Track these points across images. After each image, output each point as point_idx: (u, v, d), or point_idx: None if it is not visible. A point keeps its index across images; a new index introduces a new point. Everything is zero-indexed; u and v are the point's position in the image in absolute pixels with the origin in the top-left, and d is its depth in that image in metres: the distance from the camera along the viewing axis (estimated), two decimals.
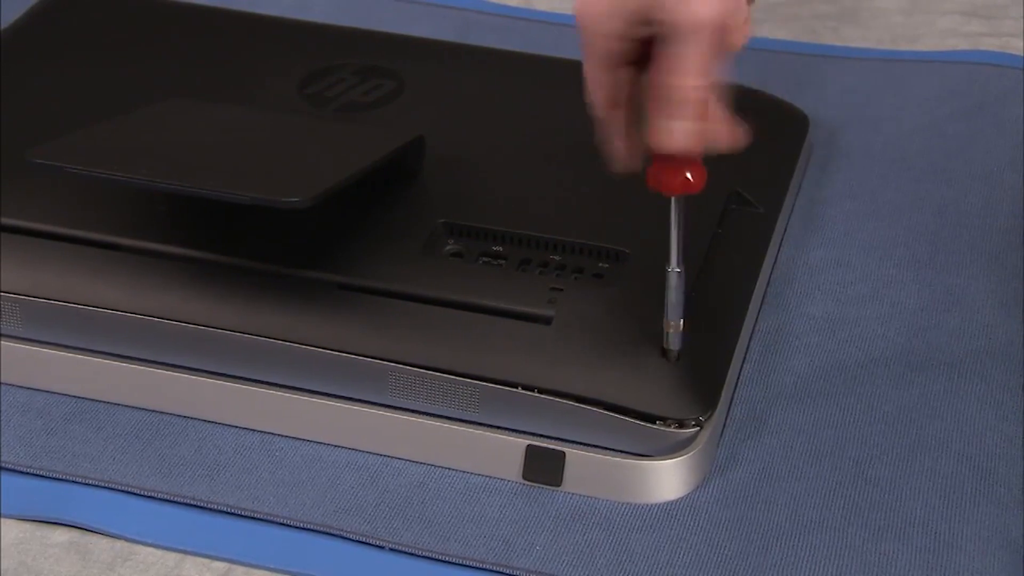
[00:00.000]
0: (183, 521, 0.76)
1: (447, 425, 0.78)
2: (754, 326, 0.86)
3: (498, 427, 0.78)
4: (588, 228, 0.82)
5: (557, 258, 0.81)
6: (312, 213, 0.74)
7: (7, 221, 0.83)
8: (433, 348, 0.78)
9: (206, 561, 0.74)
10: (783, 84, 1.02)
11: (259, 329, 0.79)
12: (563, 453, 0.76)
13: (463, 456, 0.78)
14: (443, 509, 0.76)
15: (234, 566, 0.74)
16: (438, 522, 0.75)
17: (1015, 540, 0.74)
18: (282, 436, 0.80)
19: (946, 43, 1.10)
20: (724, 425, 0.80)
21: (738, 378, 0.83)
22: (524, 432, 0.77)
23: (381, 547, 0.74)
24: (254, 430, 0.80)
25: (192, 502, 0.76)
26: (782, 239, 0.92)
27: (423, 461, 0.78)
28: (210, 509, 0.76)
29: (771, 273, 0.89)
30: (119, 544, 0.75)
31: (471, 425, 0.78)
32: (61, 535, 0.75)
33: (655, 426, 0.76)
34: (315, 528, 0.75)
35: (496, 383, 0.77)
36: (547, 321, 0.78)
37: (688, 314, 0.76)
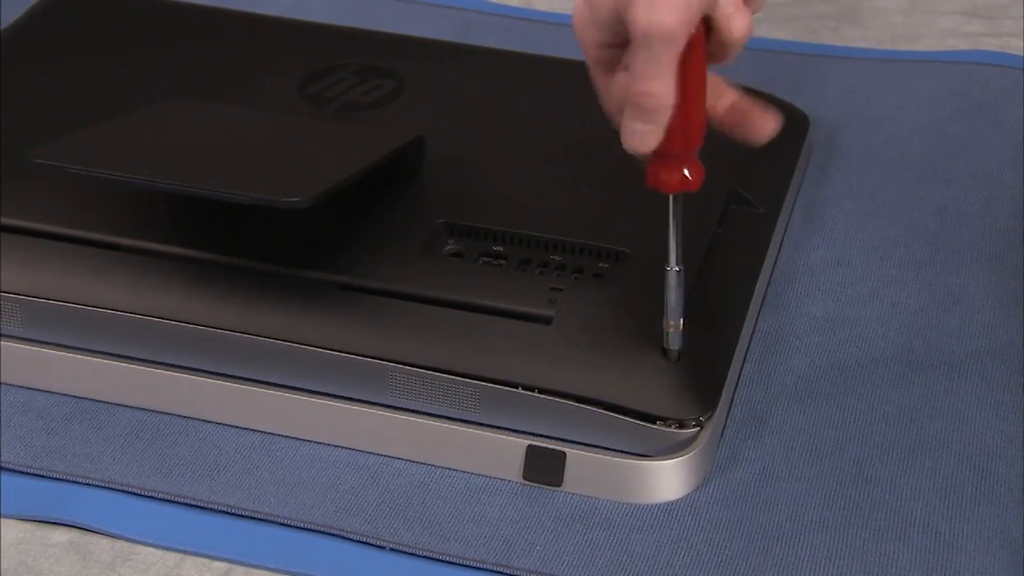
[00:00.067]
0: (183, 521, 0.76)
1: (447, 425, 0.78)
2: (754, 326, 0.86)
3: (498, 427, 0.78)
4: (588, 228, 0.82)
5: (557, 258, 0.81)
6: (312, 213, 0.74)
7: (7, 221, 0.83)
8: (433, 348, 0.78)
9: (206, 561, 0.74)
10: (783, 84, 1.02)
11: (259, 329, 0.79)
12: (563, 453, 0.76)
13: (463, 456, 0.78)
14: (443, 509, 0.76)
15: (234, 566, 0.74)
16: (438, 522, 0.75)
17: (1015, 540, 0.74)
18: (282, 436, 0.80)
19: (946, 43, 1.10)
20: (724, 425, 0.80)
21: (738, 378, 0.83)
22: (524, 432, 0.77)
23: (381, 547, 0.74)
24: (254, 430, 0.80)
25: (192, 502, 0.76)
26: (782, 239, 0.92)
27: (423, 461, 0.78)
28: (210, 509, 0.76)
29: (771, 273, 0.89)
30: (119, 544, 0.75)
31: (471, 425, 0.78)
32: (61, 535, 0.75)
33: (655, 426, 0.76)
34: (315, 528, 0.75)
35: (496, 383, 0.77)
36: (547, 321, 0.78)
37: (688, 314, 0.76)
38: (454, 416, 0.78)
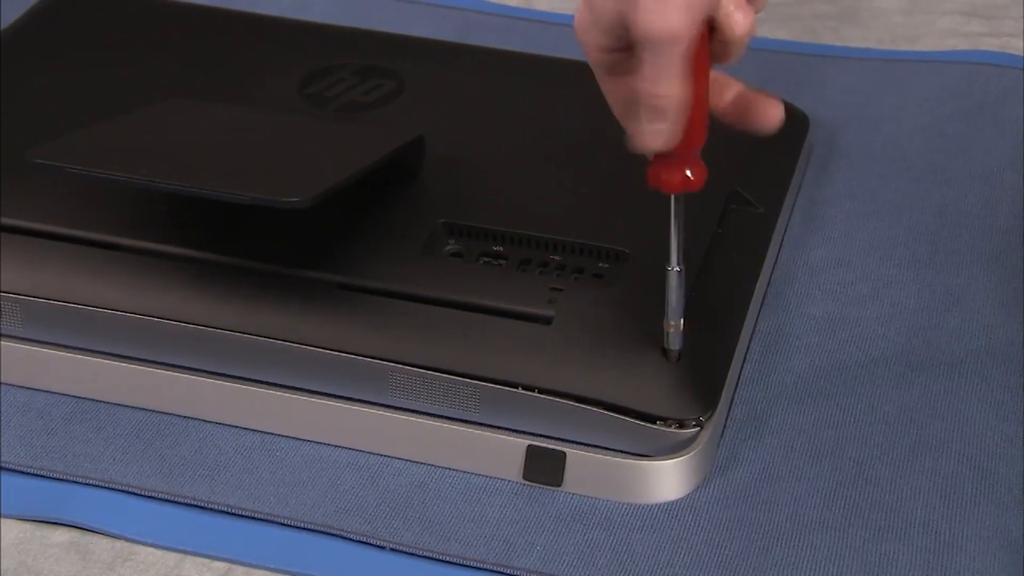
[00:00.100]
0: (183, 521, 0.76)
1: (447, 425, 0.78)
2: (754, 326, 0.86)
3: (498, 427, 0.78)
4: (588, 228, 0.82)
5: (557, 258, 0.81)
6: (312, 213, 0.74)
7: (7, 221, 0.83)
8: (433, 348, 0.78)
9: (206, 561, 0.74)
10: (783, 84, 1.02)
11: (259, 329, 0.79)
12: (563, 453, 0.76)
13: (463, 456, 0.78)
14: (443, 509, 0.76)
15: (234, 566, 0.74)
16: (438, 522, 0.75)
17: (1015, 540, 0.74)
18: (282, 436, 0.80)
19: (946, 43, 1.10)
20: (724, 425, 0.80)
21: (738, 378, 0.83)
22: (524, 432, 0.77)
23: (381, 547, 0.74)
24: (254, 430, 0.80)
25: (192, 502, 0.76)
26: (782, 239, 0.92)
27: (423, 461, 0.78)
28: (210, 509, 0.76)
29: (771, 273, 0.89)
30: (119, 544, 0.75)
31: (471, 425, 0.78)
32: (61, 535, 0.75)
33: (655, 426, 0.76)
34: (315, 528, 0.75)
35: (496, 383, 0.77)
36: (547, 321, 0.78)
37: (688, 314, 0.76)
38: (454, 416, 0.78)
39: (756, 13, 0.70)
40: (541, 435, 0.77)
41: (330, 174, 0.76)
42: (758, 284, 0.86)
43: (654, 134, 0.69)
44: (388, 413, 0.78)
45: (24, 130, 0.88)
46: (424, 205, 0.84)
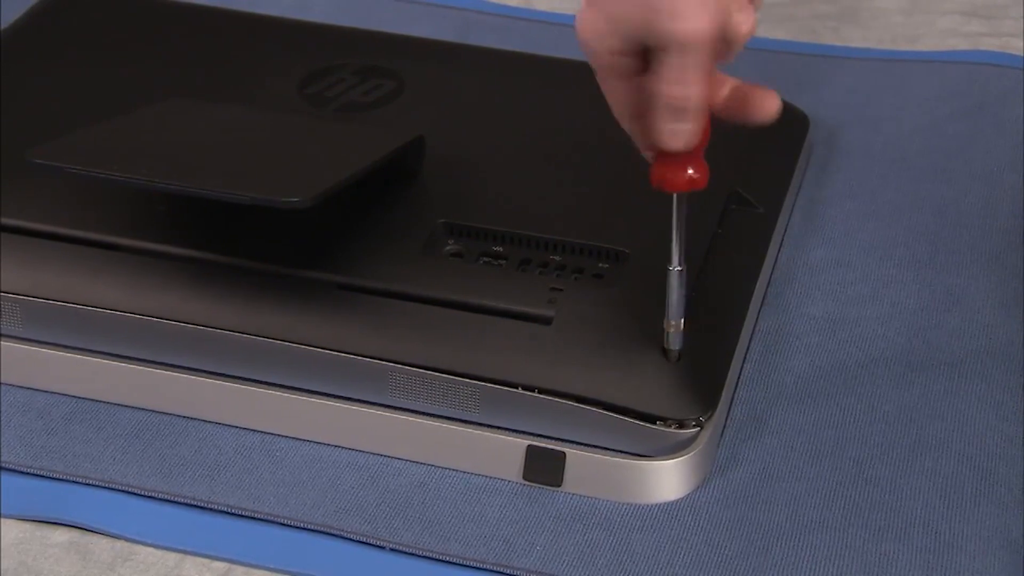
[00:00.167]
0: (183, 521, 0.76)
1: (447, 425, 0.78)
2: (754, 326, 0.86)
3: (498, 427, 0.78)
4: (588, 228, 0.82)
5: (557, 258, 0.81)
6: (312, 213, 0.74)
7: (7, 221, 0.83)
8: (433, 348, 0.78)
9: (206, 561, 0.74)
10: (783, 84, 1.02)
11: (259, 329, 0.79)
12: (563, 453, 0.76)
13: (463, 456, 0.78)
14: (443, 509, 0.76)
15: (234, 566, 0.74)
16: (438, 522, 0.75)
17: (1015, 540, 0.74)
18: (282, 436, 0.80)
19: (946, 43, 1.10)
20: (724, 425, 0.80)
21: (738, 378, 0.83)
22: (524, 432, 0.77)
23: (381, 547, 0.74)
24: (254, 430, 0.80)
25: (192, 502, 0.76)
26: (782, 239, 0.92)
27: (423, 461, 0.78)
28: (210, 509, 0.76)
29: (771, 273, 0.89)
30: (119, 544, 0.75)
31: (471, 425, 0.78)
32: (61, 535, 0.75)
33: (655, 426, 0.76)
34: (315, 528, 0.75)
35: (496, 383, 0.77)
36: (547, 321, 0.78)
37: (688, 314, 0.76)
38: (454, 416, 0.78)
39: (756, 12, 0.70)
40: (541, 435, 0.77)
41: (330, 174, 0.76)
42: (758, 284, 0.86)
43: (678, 134, 0.69)
44: (388, 413, 0.78)
45: (24, 130, 0.88)
46: (424, 205, 0.84)
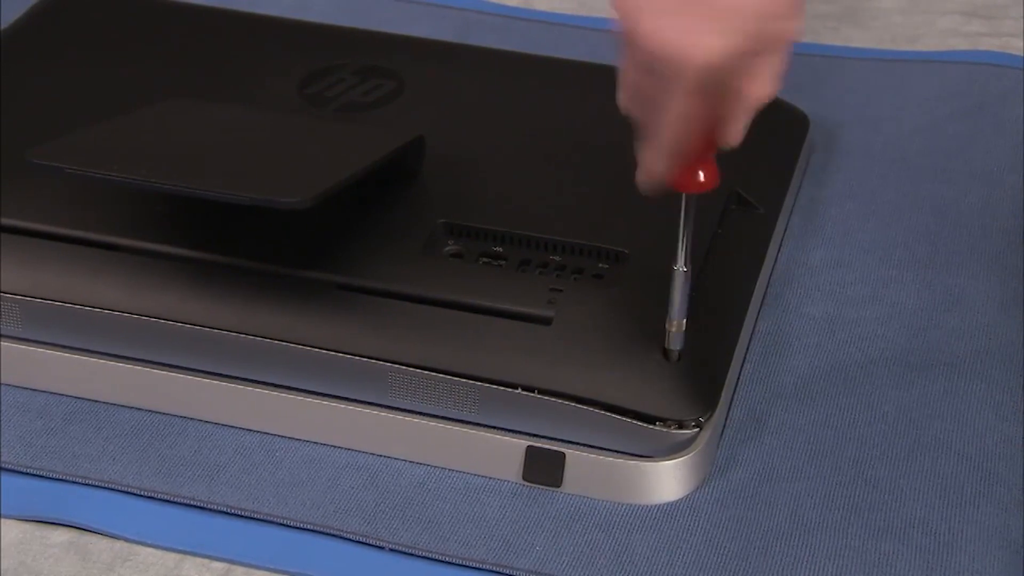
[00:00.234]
0: (183, 521, 0.76)
1: (447, 426, 0.78)
2: (754, 326, 0.86)
3: (498, 428, 0.78)
4: (588, 228, 0.82)
5: (557, 259, 0.81)
6: (312, 213, 0.74)
7: (7, 221, 0.83)
8: (433, 348, 0.78)
9: (206, 561, 0.74)
10: (783, 84, 1.02)
11: (259, 329, 0.79)
12: (563, 454, 0.76)
13: (463, 457, 0.78)
14: (443, 509, 0.76)
15: (234, 566, 0.74)
16: (438, 522, 0.75)
17: (1015, 540, 0.74)
18: (282, 436, 0.80)
19: (946, 43, 1.10)
20: (724, 426, 0.80)
21: (738, 378, 0.83)
22: (524, 433, 0.77)
23: (381, 547, 0.74)
24: (254, 430, 0.80)
25: (192, 502, 0.76)
26: (782, 239, 0.92)
27: (423, 462, 0.78)
28: (210, 509, 0.76)
29: (771, 273, 0.89)
30: (119, 544, 0.75)
31: (471, 426, 0.78)
32: (61, 535, 0.75)
33: (655, 427, 0.76)
34: (315, 528, 0.75)
35: (496, 383, 0.77)
36: (547, 322, 0.78)
37: (688, 314, 0.76)
38: (453, 416, 0.78)
39: None
40: (540, 436, 0.77)
41: (330, 174, 0.76)
42: (758, 284, 0.86)
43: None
44: (387, 413, 0.78)
45: (24, 130, 0.88)
46: (424, 205, 0.84)
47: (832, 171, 0.98)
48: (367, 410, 0.79)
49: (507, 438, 0.77)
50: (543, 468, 0.77)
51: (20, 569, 0.74)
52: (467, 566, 0.73)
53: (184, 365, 0.81)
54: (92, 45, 0.98)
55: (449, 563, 0.73)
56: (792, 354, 0.85)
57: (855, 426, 0.80)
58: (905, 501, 0.76)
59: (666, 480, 0.76)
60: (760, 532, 0.75)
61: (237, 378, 0.80)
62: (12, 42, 0.98)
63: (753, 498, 0.77)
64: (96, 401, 0.82)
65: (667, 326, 0.76)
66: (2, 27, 1.03)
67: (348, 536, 0.75)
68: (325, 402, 0.79)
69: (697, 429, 0.76)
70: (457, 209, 0.84)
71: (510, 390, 0.76)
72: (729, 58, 0.65)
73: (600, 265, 0.81)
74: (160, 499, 0.76)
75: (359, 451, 0.79)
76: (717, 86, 0.65)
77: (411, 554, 0.74)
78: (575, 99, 0.93)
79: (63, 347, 0.82)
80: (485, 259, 0.82)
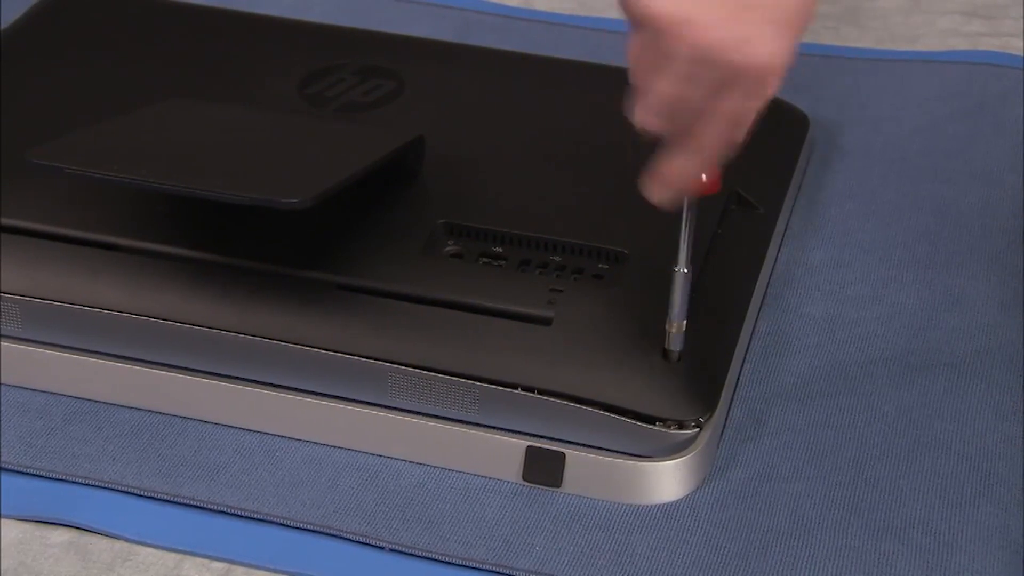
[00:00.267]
0: (183, 521, 0.76)
1: (447, 426, 0.78)
2: (754, 326, 0.86)
3: (498, 428, 0.78)
4: (588, 229, 0.82)
5: (557, 259, 0.81)
6: (312, 213, 0.74)
7: (7, 221, 0.83)
8: (433, 349, 0.78)
9: (206, 561, 0.74)
10: (783, 84, 1.02)
11: (259, 329, 0.79)
12: (563, 454, 0.76)
13: (463, 457, 0.78)
14: (443, 510, 0.76)
15: (234, 566, 0.74)
16: (438, 523, 0.75)
17: (1015, 540, 0.74)
18: (282, 436, 0.80)
19: (946, 43, 1.10)
20: (724, 426, 0.80)
21: (738, 379, 0.83)
22: (524, 433, 0.77)
23: (381, 547, 0.74)
24: (254, 430, 0.80)
25: (192, 502, 0.76)
26: (782, 239, 0.92)
27: (423, 462, 0.78)
28: (210, 509, 0.76)
29: (771, 273, 0.89)
30: (119, 544, 0.75)
31: (471, 426, 0.78)
32: (61, 535, 0.75)
33: (655, 427, 0.76)
34: (315, 528, 0.75)
35: (496, 384, 0.77)
36: (547, 322, 0.78)
37: (688, 314, 0.76)
38: (453, 417, 0.78)
39: None
40: (540, 436, 0.77)
41: (330, 174, 0.76)
42: (758, 284, 0.86)
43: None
44: (387, 414, 0.78)
45: (24, 130, 0.88)
46: (424, 205, 0.84)
47: (832, 171, 0.98)
48: (367, 410, 0.79)
49: (507, 438, 0.77)
50: (543, 468, 0.77)
51: (20, 569, 0.74)
52: (467, 566, 0.73)
53: (184, 365, 0.81)
54: (92, 45, 0.98)
55: (449, 563, 0.73)
56: (792, 354, 0.85)
57: (855, 426, 0.80)
58: (905, 501, 0.76)
59: (666, 480, 0.76)
60: (760, 532, 0.75)
61: (237, 378, 0.80)
62: (12, 42, 0.98)
63: (753, 498, 0.77)
64: (96, 401, 0.82)
65: (667, 327, 0.76)
66: (2, 27, 1.03)
67: (348, 536, 0.75)
68: (325, 402, 0.79)
69: (697, 429, 0.76)
70: (457, 209, 0.84)
71: (510, 390, 0.76)
72: (791, 57, 0.64)
73: (600, 265, 0.81)
74: (160, 499, 0.76)
75: (359, 451, 0.79)
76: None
77: (411, 554, 0.74)
78: (575, 99, 0.93)
79: (63, 347, 0.82)
80: (485, 259, 0.82)
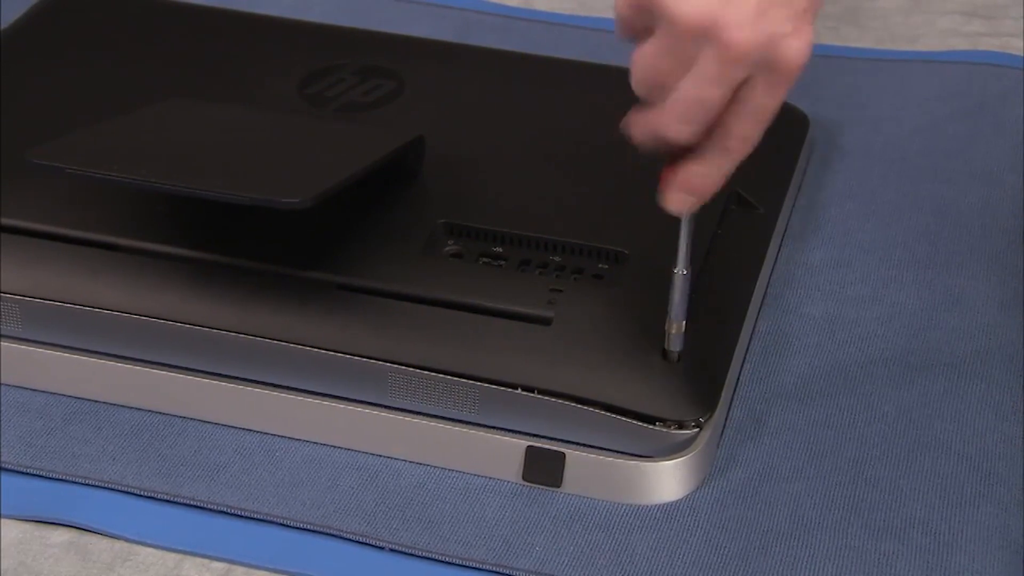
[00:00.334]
0: (183, 521, 0.76)
1: (447, 426, 0.78)
2: (754, 326, 0.86)
3: (498, 428, 0.77)
4: (588, 229, 0.82)
5: (557, 259, 0.81)
6: (312, 213, 0.74)
7: (7, 221, 0.83)
8: (433, 349, 0.78)
9: (206, 561, 0.74)
10: None
11: (259, 329, 0.79)
12: (563, 454, 0.76)
13: (463, 457, 0.78)
14: (443, 510, 0.76)
15: (234, 566, 0.74)
16: (438, 523, 0.75)
17: (1015, 540, 0.74)
18: (282, 436, 0.80)
19: (946, 43, 1.10)
20: (724, 426, 0.80)
21: (738, 379, 0.83)
22: (524, 433, 0.77)
23: (381, 548, 0.74)
24: (254, 430, 0.80)
25: (192, 502, 0.76)
26: (782, 239, 0.92)
27: (423, 462, 0.78)
28: (210, 509, 0.76)
29: (771, 273, 0.89)
30: (119, 544, 0.75)
31: (471, 426, 0.78)
32: (61, 535, 0.75)
33: (655, 427, 0.76)
34: (315, 528, 0.75)
35: (496, 384, 0.77)
36: (547, 322, 0.78)
37: (688, 315, 0.76)
38: (453, 417, 0.78)
39: None
40: (540, 436, 0.77)
41: (330, 174, 0.76)
42: (758, 284, 0.86)
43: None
44: (387, 414, 0.78)
45: (24, 130, 0.88)
46: (424, 205, 0.84)
47: (832, 171, 0.98)
48: (367, 410, 0.79)
49: (507, 438, 0.77)
50: (543, 468, 0.77)
51: (20, 569, 0.74)
52: (467, 566, 0.73)
53: (184, 365, 0.81)
54: (92, 45, 0.98)
55: (449, 563, 0.73)
56: (792, 354, 0.85)
57: (855, 426, 0.80)
58: (905, 501, 0.76)
59: (666, 480, 0.76)
60: (760, 532, 0.75)
61: (237, 378, 0.80)
62: (12, 42, 0.98)
63: (753, 498, 0.77)
64: (96, 401, 0.82)
65: (667, 327, 0.76)
66: (2, 27, 1.03)
67: (348, 536, 0.75)
68: (325, 402, 0.79)
69: (697, 429, 0.76)
70: (457, 209, 0.84)
71: (510, 390, 0.76)
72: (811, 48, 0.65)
73: (600, 265, 0.81)
74: (160, 499, 0.76)
75: (359, 451, 0.79)
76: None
77: (411, 554, 0.74)
78: (575, 99, 0.93)
79: (63, 347, 0.82)
80: (485, 259, 0.82)
